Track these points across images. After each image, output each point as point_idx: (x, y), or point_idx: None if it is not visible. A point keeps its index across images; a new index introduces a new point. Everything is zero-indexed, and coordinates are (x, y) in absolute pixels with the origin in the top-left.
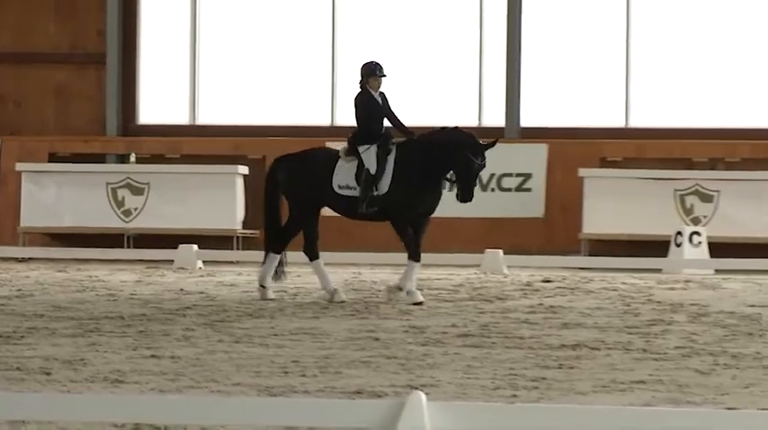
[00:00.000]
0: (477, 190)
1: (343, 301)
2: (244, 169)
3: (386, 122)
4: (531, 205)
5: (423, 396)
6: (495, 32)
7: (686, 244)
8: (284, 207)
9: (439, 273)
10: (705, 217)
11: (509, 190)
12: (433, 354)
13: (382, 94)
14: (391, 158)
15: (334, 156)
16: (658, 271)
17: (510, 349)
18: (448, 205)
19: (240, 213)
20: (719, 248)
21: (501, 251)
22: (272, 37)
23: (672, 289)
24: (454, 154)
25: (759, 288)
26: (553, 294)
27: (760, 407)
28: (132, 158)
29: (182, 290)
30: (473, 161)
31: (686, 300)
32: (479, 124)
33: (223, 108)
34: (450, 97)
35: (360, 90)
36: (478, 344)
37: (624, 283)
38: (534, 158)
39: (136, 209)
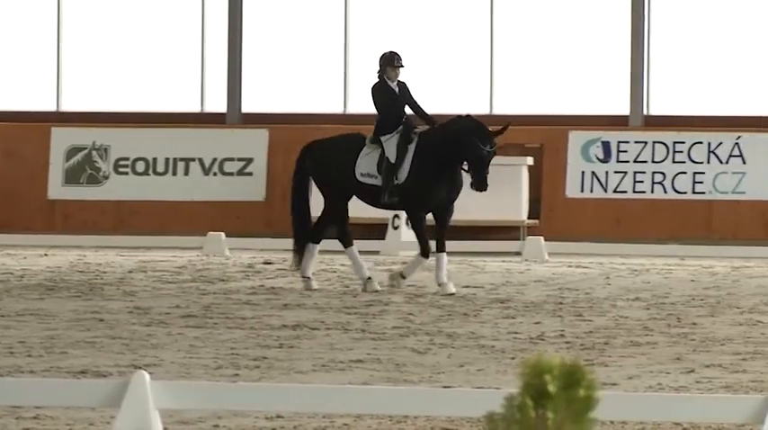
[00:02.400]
0: (199, 173)
1: (376, 291)
2: None
3: (409, 111)
4: (253, 189)
5: (146, 375)
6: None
7: (403, 226)
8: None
9: (162, 255)
10: None
11: (231, 174)
12: (157, 335)
13: (402, 84)
14: (412, 148)
15: (360, 144)
16: (376, 253)
17: (232, 329)
18: (169, 188)
19: None
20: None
21: (223, 234)
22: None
23: (389, 270)
24: (463, 142)
25: (474, 269)
26: (274, 276)
27: (475, 385)
28: None
29: None
30: (481, 148)
31: (405, 282)
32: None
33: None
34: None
35: (377, 80)
36: (201, 325)
37: (343, 265)
38: (255, 143)
39: None
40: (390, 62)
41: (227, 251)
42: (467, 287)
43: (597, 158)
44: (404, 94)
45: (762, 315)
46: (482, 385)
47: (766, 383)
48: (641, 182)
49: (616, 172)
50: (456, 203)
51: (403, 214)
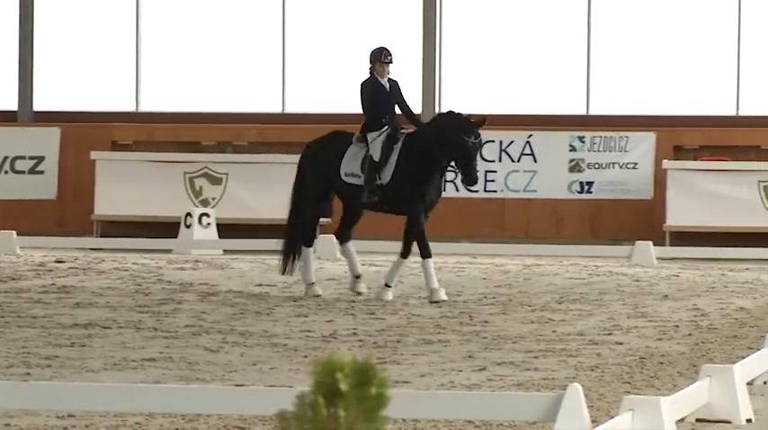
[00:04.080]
0: None
1: (359, 293)
2: None
3: (398, 111)
4: (44, 187)
5: None
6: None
7: (196, 225)
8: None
9: None
10: (214, 199)
11: (22, 172)
12: None
13: (394, 81)
14: (397, 148)
15: (347, 142)
16: (169, 251)
17: (23, 328)
18: None
19: None
20: (228, 229)
21: (14, 232)
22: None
23: (182, 269)
24: (447, 139)
25: (267, 268)
26: (66, 274)
27: (267, 383)
28: None
29: None
30: (465, 141)
31: (196, 280)
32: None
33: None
34: None
35: (368, 76)
36: None
37: (135, 264)
38: (47, 141)
39: None
40: (379, 57)
41: (19, 250)
42: (259, 286)
43: None
44: (394, 93)
45: (553, 313)
46: (275, 383)
47: (558, 381)
48: None
49: None
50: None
51: (196, 212)
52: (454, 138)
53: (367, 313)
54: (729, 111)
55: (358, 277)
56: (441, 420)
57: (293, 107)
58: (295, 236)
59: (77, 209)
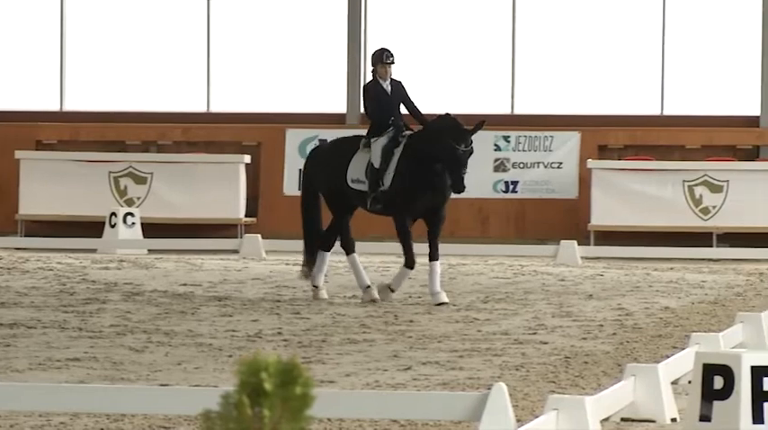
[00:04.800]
0: None
1: (374, 300)
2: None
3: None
4: None
5: None
6: None
7: (120, 224)
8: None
9: None
10: (139, 198)
11: None
12: None
13: (398, 83)
14: (398, 151)
15: (354, 148)
16: (94, 251)
17: None
18: None
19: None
20: (153, 228)
21: None
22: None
23: (107, 268)
24: (438, 143)
25: (192, 267)
26: None
27: (192, 383)
28: None
29: None
30: (455, 148)
31: (121, 280)
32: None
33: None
34: None
35: (371, 79)
36: None
37: (60, 263)
38: None
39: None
40: (380, 59)
41: None
42: (184, 285)
43: None
44: (397, 94)
45: (478, 312)
46: (200, 383)
47: (483, 380)
48: None
49: None
50: (174, 200)
51: (121, 212)
52: (444, 145)
53: (292, 313)
54: (654, 110)
55: (368, 287)
56: (366, 420)
57: (218, 107)
58: (309, 242)
59: (1, 208)
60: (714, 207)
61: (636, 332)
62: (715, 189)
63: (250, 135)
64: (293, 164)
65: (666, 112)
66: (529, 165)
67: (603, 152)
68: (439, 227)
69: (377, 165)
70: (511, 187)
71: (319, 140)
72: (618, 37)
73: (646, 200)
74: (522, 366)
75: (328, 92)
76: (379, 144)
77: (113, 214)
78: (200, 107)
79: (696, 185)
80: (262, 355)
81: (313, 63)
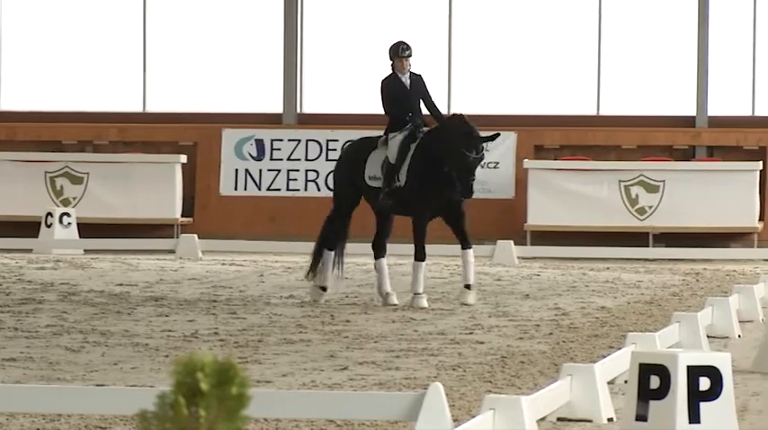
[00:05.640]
0: None
1: (394, 304)
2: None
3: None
4: None
5: None
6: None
7: (56, 224)
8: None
9: None
10: (75, 198)
11: None
12: None
13: (418, 76)
14: (414, 147)
15: (373, 146)
16: (29, 251)
17: None
18: None
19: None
20: (89, 229)
21: None
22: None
23: (43, 268)
24: (449, 148)
25: (128, 267)
26: None
27: (128, 383)
28: None
29: None
30: (466, 155)
31: (57, 280)
32: None
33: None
34: None
35: (389, 72)
36: None
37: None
38: None
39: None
40: (396, 52)
41: None
42: (120, 285)
43: (251, 156)
44: (416, 88)
45: (415, 312)
46: (136, 383)
47: (419, 380)
48: (295, 180)
49: (270, 170)
50: (111, 200)
51: (57, 212)
52: (454, 152)
53: (228, 313)
54: (590, 110)
55: (388, 294)
56: (302, 420)
57: (154, 106)
58: (321, 242)
59: None
60: (650, 207)
61: (572, 332)
62: (651, 189)
63: (186, 135)
64: (229, 164)
65: (602, 112)
66: None
67: (540, 152)
68: (462, 221)
69: (393, 160)
70: None
71: (256, 140)
72: (554, 37)
73: (582, 200)
74: (459, 366)
75: (265, 91)
76: (396, 140)
77: (49, 214)
78: (136, 107)
79: (632, 185)
80: (198, 355)
81: (249, 63)
